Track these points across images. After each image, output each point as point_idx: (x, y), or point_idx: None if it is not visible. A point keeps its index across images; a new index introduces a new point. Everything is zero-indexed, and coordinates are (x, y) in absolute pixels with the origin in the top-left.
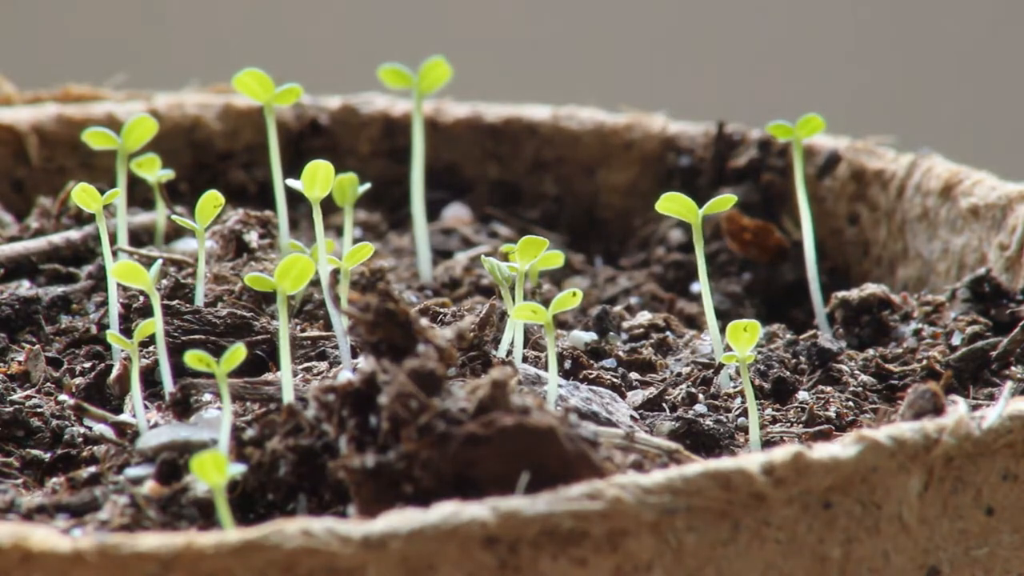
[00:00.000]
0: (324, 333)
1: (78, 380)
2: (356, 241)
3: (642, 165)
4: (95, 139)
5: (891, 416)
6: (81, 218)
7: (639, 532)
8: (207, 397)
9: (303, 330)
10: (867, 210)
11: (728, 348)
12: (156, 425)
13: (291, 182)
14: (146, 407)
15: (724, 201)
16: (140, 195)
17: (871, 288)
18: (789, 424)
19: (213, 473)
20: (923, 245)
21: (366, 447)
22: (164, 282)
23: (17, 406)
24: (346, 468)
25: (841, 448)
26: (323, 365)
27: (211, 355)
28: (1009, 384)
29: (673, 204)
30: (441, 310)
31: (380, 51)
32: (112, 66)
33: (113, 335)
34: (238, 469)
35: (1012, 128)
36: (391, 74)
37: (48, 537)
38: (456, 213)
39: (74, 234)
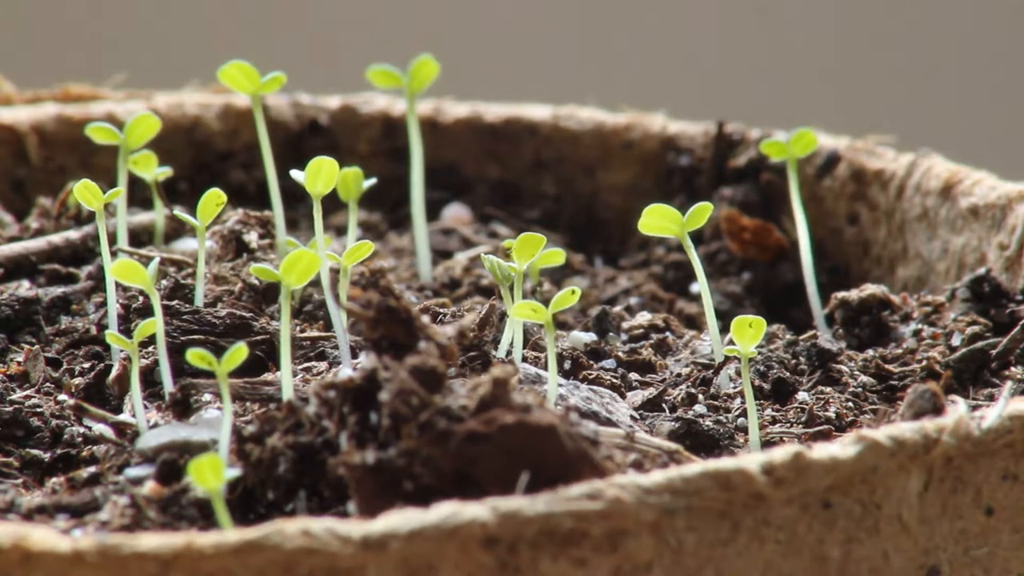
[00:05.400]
0: (324, 333)
1: (77, 380)
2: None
3: (642, 165)
4: (98, 134)
5: (891, 416)
6: (81, 218)
7: (639, 532)
8: (207, 397)
9: (303, 330)
10: (867, 210)
11: (731, 344)
12: (156, 425)
13: (295, 173)
14: (146, 407)
15: (702, 211)
16: (139, 195)
17: (871, 288)
18: (789, 424)
19: (210, 477)
20: (923, 245)
21: (367, 444)
22: (164, 282)
23: (17, 406)
24: (346, 465)
25: (841, 448)
26: (323, 365)
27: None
28: (1009, 384)
29: (656, 220)
30: (441, 310)
31: (380, 51)
32: (112, 66)
33: (112, 335)
34: (234, 474)
35: (1012, 128)
36: (380, 75)
37: (48, 537)
38: (456, 213)
39: (74, 234)
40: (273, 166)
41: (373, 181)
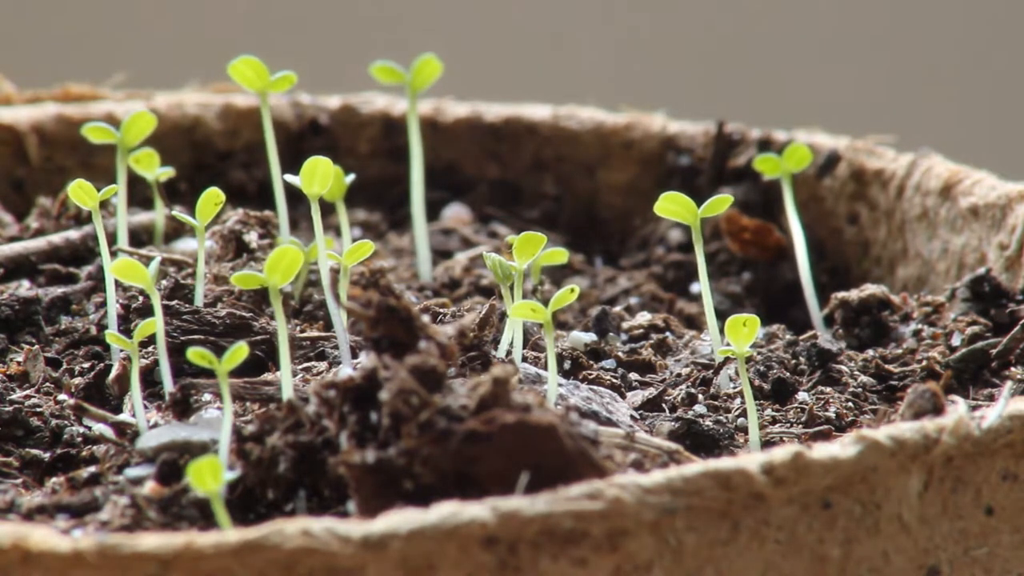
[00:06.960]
0: (324, 333)
1: (77, 380)
2: (355, 241)
3: (642, 165)
4: (95, 133)
5: (891, 416)
6: (80, 218)
7: (639, 532)
8: (207, 397)
9: (303, 330)
10: (867, 210)
11: (728, 344)
12: (156, 425)
13: (289, 178)
14: (146, 407)
15: (721, 201)
16: (139, 195)
17: (871, 289)
18: (789, 424)
19: (209, 480)
20: (923, 245)
21: (367, 443)
22: (164, 282)
23: (17, 406)
24: (346, 464)
25: (841, 448)
26: (322, 365)
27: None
28: (1009, 384)
29: (672, 205)
30: (441, 310)
31: (380, 51)
32: (112, 66)
33: (112, 335)
34: (233, 475)
35: (1012, 128)
36: (383, 71)
37: (48, 537)
38: (456, 213)
39: (74, 234)
40: (274, 160)
41: (352, 177)
